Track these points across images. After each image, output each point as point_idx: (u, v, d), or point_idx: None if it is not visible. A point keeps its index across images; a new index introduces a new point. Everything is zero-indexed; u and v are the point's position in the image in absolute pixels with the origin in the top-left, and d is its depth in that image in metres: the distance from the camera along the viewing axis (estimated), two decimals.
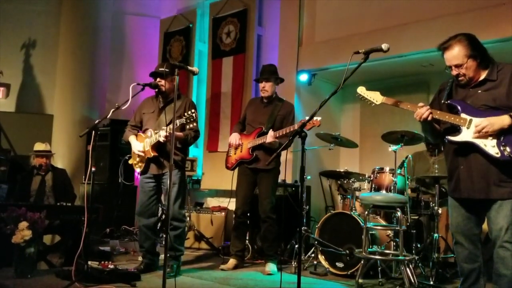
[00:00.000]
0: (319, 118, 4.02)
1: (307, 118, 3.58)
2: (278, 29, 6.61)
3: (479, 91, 2.90)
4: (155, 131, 4.22)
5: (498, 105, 2.81)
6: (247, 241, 5.14)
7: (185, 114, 3.87)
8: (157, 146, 4.23)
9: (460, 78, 2.91)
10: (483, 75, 2.90)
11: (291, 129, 4.25)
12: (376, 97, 3.15)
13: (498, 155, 2.73)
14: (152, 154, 4.24)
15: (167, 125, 4.09)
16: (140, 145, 4.34)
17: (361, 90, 3.20)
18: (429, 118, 2.93)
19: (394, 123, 5.67)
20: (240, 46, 6.70)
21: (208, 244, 5.95)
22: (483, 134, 2.77)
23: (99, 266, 3.88)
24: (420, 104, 2.97)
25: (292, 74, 6.26)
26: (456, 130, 2.89)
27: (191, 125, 3.92)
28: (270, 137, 4.37)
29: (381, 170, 4.38)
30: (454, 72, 2.91)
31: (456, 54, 2.86)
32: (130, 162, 4.57)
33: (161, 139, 4.07)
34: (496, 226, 2.80)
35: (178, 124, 3.93)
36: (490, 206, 2.83)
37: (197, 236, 6.04)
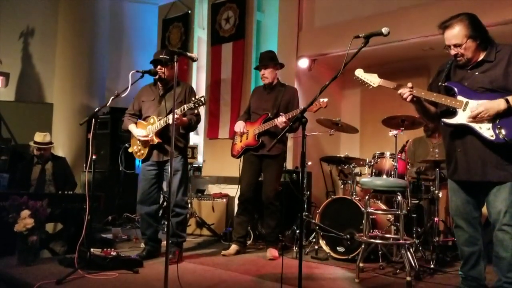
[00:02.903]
0: (325, 99, 4.03)
1: (321, 100, 3.56)
2: (278, 15, 6.56)
3: (476, 73, 2.88)
4: (159, 118, 4.23)
5: (495, 87, 2.79)
6: (249, 227, 5.16)
7: (193, 98, 3.94)
8: (160, 132, 4.24)
9: (458, 58, 2.89)
10: (481, 56, 2.88)
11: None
12: (373, 79, 3.13)
13: (493, 138, 2.73)
14: (156, 141, 4.25)
15: (172, 110, 4.08)
16: (142, 131, 4.35)
17: (359, 72, 3.18)
18: (408, 99, 2.94)
19: (395, 108, 5.64)
20: (240, 32, 6.65)
21: (210, 230, 5.98)
22: (478, 119, 2.76)
23: (102, 253, 3.90)
24: (409, 84, 2.97)
25: (292, 60, 6.23)
26: (452, 112, 2.88)
27: (199, 109, 3.98)
28: (282, 123, 4.33)
29: (382, 155, 4.38)
30: (453, 51, 2.88)
31: (456, 33, 2.83)
32: (129, 150, 4.57)
33: (171, 121, 4.07)
34: (495, 209, 2.81)
35: (186, 109, 4.00)
36: (489, 190, 2.83)
37: (198, 222, 6.07)
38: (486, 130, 2.76)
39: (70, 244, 4.35)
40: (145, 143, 4.34)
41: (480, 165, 2.81)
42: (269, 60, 4.70)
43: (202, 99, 3.91)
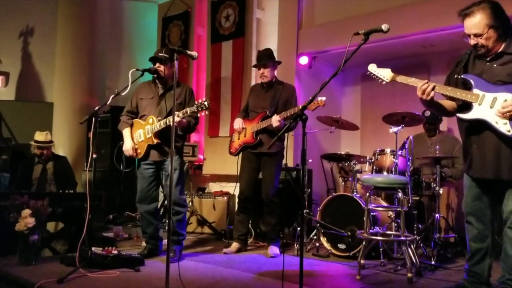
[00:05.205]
0: (323, 98, 4.03)
1: (319, 99, 3.55)
2: (278, 12, 6.55)
3: (495, 65, 2.77)
4: (158, 118, 4.22)
5: None
6: (249, 225, 5.17)
7: (196, 102, 3.96)
8: (159, 133, 4.23)
9: (478, 49, 2.78)
10: (501, 48, 2.76)
11: (296, 111, 4.24)
12: (386, 74, 3.08)
13: (510, 133, 2.64)
14: (155, 141, 4.24)
15: (172, 112, 4.07)
16: (129, 144, 4.33)
17: (372, 67, 3.14)
18: (432, 94, 2.83)
19: (395, 105, 5.65)
20: (239, 30, 6.65)
21: (211, 228, 5.98)
22: (506, 116, 2.62)
23: (103, 252, 3.90)
24: (424, 81, 2.90)
25: (292, 57, 6.23)
26: (468, 107, 2.78)
27: (202, 113, 4.01)
28: (276, 121, 4.34)
29: (382, 152, 4.38)
30: (472, 41, 2.77)
31: (477, 22, 2.71)
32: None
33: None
34: (507, 208, 2.76)
35: (189, 112, 4.01)
36: (504, 187, 2.77)
37: (199, 221, 6.07)
38: (502, 125, 2.66)
39: (71, 243, 4.36)
40: (143, 142, 4.33)
41: (495, 162, 2.73)
42: (267, 58, 4.69)
43: (206, 103, 3.91)
